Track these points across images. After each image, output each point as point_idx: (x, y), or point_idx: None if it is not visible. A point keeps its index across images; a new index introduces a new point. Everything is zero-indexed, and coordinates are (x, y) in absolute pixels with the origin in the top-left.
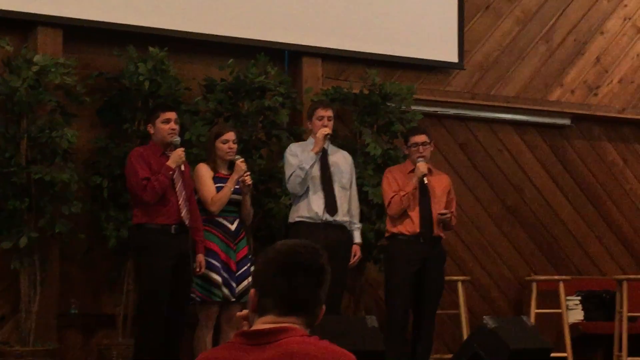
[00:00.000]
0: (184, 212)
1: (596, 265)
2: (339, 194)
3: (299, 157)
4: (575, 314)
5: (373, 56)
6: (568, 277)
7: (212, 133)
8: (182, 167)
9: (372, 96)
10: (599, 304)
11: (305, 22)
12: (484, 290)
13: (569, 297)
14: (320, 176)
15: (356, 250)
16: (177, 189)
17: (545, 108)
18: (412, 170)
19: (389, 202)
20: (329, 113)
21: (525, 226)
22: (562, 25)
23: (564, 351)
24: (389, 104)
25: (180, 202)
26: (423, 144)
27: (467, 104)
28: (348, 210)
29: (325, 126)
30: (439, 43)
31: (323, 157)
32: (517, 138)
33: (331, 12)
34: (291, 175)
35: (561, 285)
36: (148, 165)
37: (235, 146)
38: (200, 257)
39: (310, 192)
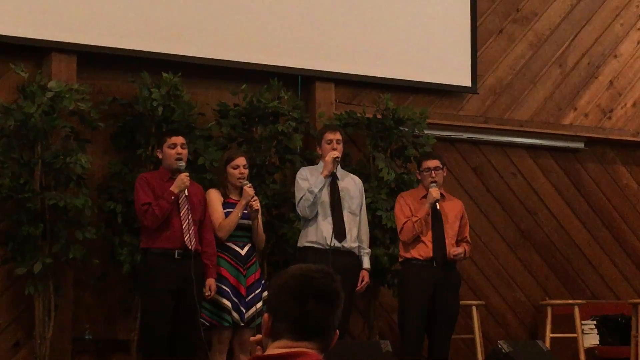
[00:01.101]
0: (186, 237)
1: (611, 289)
2: (348, 219)
3: (309, 180)
4: (590, 338)
5: (386, 80)
6: (583, 301)
7: (223, 158)
8: (186, 192)
9: (385, 121)
10: (615, 328)
11: (318, 47)
12: (498, 315)
13: (584, 322)
14: (329, 201)
15: (364, 276)
16: (181, 214)
17: (559, 132)
18: (425, 196)
19: (402, 228)
20: (338, 136)
21: (539, 250)
22: (575, 49)
23: None
24: (402, 128)
25: (184, 227)
26: (435, 168)
27: (480, 128)
28: (357, 235)
29: (334, 149)
30: (452, 67)
31: (332, 182)
32: (530, 162)
33: (344, 37)
34: (301, 199)
35: (576, 309)
36: (152, 191)
37: (245, 171)
38: (211, 281)
39: (320, 217)
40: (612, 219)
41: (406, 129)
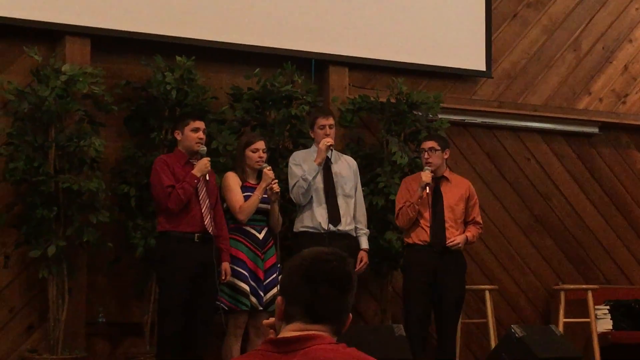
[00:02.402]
0: (207, 221)
1: (625, 274)
2: (342, 203)
3: (302, 166)
4: (603, 323)
5: (400, 65)
6: (596, 286)
7: (242, 142)
8: (207, 177)
9: (399, 105)
10: (628, 313)
11: (332, 31)
12: (511, 300)
13: (597, 307)
14: (323, 188)
15: (363, 256)
16: (200, 198)
17: (573, 116)
18: None
19: (397, 213)
20: (330, 121)
21: (553, 235)
22: (590, 33)
23: None
24: (415, 112)
25: (203, 211)
26: (430, 149)
27: (494, 112)
28: (353, 216)
29: (327, 134)
30: (466, 51)
31: (326, 168)
32: (544, 146)
33: (358, 21)
34: (294, 185)
35: (589, 294)
36: (172, 173)
37: (264, 155)
38: (226, 265)
39: (314, 204)
40: (626, 203)
41: (420, 113)
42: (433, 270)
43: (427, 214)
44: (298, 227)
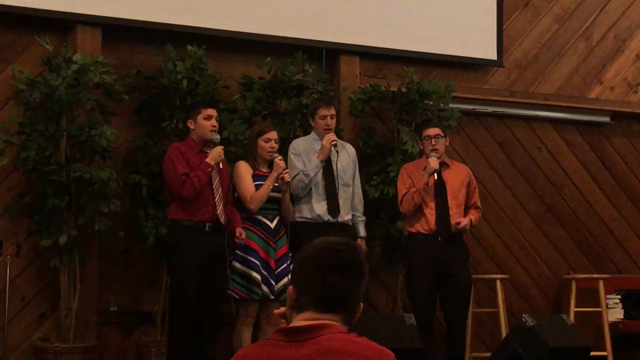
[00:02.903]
0: (219, 210)
1: (636, 264)
2: (342, 194)
3: (301, 157)
4: (614, 312)
5: (411, 54)
6: (607, 276)
7: (255, 131)
8: (221, 165)
9: (410, 94)
10: (639, 303)
11: (342, 20)
12: (522, 289)
13: (608, 296)
14: (323, 181)
15: (361, 244)
16: (214, 186)
17: (585, 105)
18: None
19: (401, 200)
20: (332, 112)
21: (564, 224)
22: (601, 22)
23: (604, 350)
24: (426, 101)
25: (216, 200)
26: (436, 136)
27: (505, 101)
28: (351, 204)
29: (328, 125)
30: (477, 40)
31: (327, 162)
32: (556, 136)
33: (369, 10)
34: (294, 178)
35: (601, 283)
36: (186, 162)
37: (276, 145)
38: (240, 230)
39: (313, 196)
40: (638, 193)
41: (431, 103)
42: (438, 259)
43: (431, 202)
44: (296, 217)
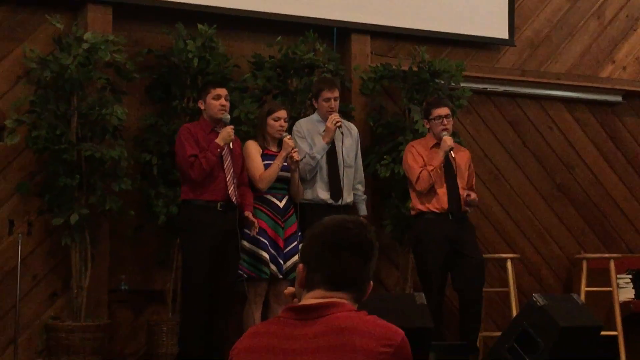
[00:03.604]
0: (231, 189)
1: None
2: (344, 175)
3: (306, 139)
4: (625, 292)
5: (422, 33)
6: (619, 255)
7: (264, 110)
8: (231, 145)
9: (421, 73)
10: None
11: None
12: (533, 268)
13: (619, 275)
14: (326, 164)
15: None
16: (225, 166)
17: (597, 85)
18: (435, 145)
19: (418, 178)
20: (336, 94)
21: (575, 204)
22: (613, 1)
23: (615, 330)
24: (438, 81)
25: (227, 179)
26: (447, 116)
27: (517, 80)
28: (352, 184)
29: (332, 107)
30: (488, 19)
31: (331, 145)
32: (567, 115)
33: None
34: (300, 160)
35: (612, 263)
36: (196, 142)
37: (286, 124)
38: (249, 214)
39: (317, 178)
40: None
41: (442, 82)
42: (450, 238)
43: (442, 181)
44: (299, 198)
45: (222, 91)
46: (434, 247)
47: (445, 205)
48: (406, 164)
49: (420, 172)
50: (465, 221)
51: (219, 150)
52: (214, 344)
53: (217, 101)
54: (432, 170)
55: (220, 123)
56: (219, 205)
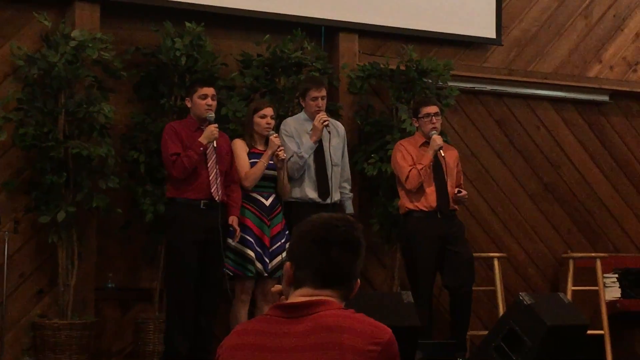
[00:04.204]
0: (214, 188)
1: (634, 243)
2: (333, 174)
3: (294, 138)
4: (612, 291)
5: (410, 32)
6: (605, 255)
7: (251, 108)
8: (215, 143)
9: (408, 72)
10: (637, 282)
11: None
12: (520, 267)
13: (606, 275)
14: (314, 163)
15: None
16: (209, 165)
17: (584, 84)
18: (424, 144)
19: (407, 176)
20: (323, 93)
21: (562, 203)
22: (601, 1)
23: (601, 329)
24: (425, 80)
25: (211, 178)
26: (435, 114)
27: (504, 80)
28: (339, 182)
29: (319, 106)
30: (476, 19)
31: (319, 145)
32: (554, 115)
33: None
34: (289, 160)
35: (598, 262)
36: (180, 141)
37: (272, 122)
38: (234, 219)
39: (305, 177)
40: (636, 172)
41: (430, 81)
42: (440, 236)
43: (431, 179)
44: (287, 197)
45: (209, 90)
46: (424, 246)
47: (434, 204)
48: (395, 162)
49: (409, 171)
50: (454, 219)
51: (202, 148)
52: (200, 341)
53: (203, 100)
54: (421, 168)
55: (206, 122)
56: (201, 204)
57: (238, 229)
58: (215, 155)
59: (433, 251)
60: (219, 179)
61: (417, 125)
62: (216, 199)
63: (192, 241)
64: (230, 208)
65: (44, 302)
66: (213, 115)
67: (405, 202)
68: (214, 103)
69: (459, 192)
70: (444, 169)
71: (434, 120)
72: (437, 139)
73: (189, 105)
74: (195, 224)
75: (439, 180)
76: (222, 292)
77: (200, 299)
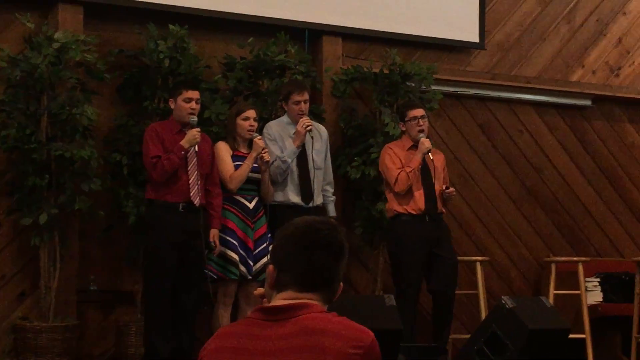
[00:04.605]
0: (193, 192)
1: (615, 247)
2: (316, 178)
3: (277, 142)
4: (594, 295)
5: (394, 35)
6: (587, 259)
7: (233, 110)
8: (196, 148)
9: (392, 76)
10: (618, 286)
11: (326, 1)
12: (502, 271)
13: (587, 279)
14: (297, 167)
15: None
16: (189, 168)
17: (566, 89)
18: (412, 147)
19: (396, 179)
20: (305, 97)
21: (544, 207)
22: (584, 6)
23: (582, 332)
24: (409, 83)
25: (190, 181)
26: (422, 117)
27: (487, 84)
28: (322, 185)
29: (302, 110)
30: (460, 23)
31: (301, 149)
32: (537, 119)
33: None
34: (271, 164)
35: (580, 266)
36: (161, 143)
37: (255, 124)
38: (215, 232)
39: (288, 184)
40: (618, 177)
41: (413, 84)
42: (428, 239)
43: (419, 183)
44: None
45: (194, 94)
46: (412, 250)
47: (423, 207)
48: (384, 165)
49: (398, 174)
50: (442, 222)
51: (183, 152)
52: (181, 344)
53: (187, 104)
54: (410, 171)
55: (188, 125)
56: (180, 207)
57: (218, 246)
58: (196, 159)
59: (421, 254)
60: (198, 183)
61: (403, 129)
62: (195, 202)
63: (170, 243)
64: (212, 219)
65: (25, 305)
66: (196, 119)
67: (394, 205)
68: (198, 107)
69: (447, 188)
70: (432, 172)
71: (421, 123)
72: (425, 142)
73: (172, 106)
74: (174, 226)
75: (427, 183)
76: (203, 295)
77: (180, 302)
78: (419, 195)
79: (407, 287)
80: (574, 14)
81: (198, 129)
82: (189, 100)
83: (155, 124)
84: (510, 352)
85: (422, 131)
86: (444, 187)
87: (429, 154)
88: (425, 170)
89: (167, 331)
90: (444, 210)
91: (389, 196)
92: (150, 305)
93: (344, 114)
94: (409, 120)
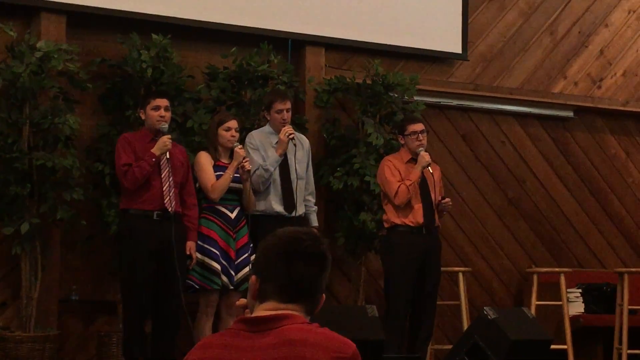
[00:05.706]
0: (167, 199)
1: (597, 258)
2: (299, 187)
3: (259, 151)
4: (575, 306)
5: (376, 46)
6: (569, 270)
7: (215, 121)
8: (168, 155)
9: (375, 86)
10: (600, 297)
11: (309, 11)
12: (484, 282)
13: (569, 290)
14: (279, 176)
15: None
16: (162, 175)
17: (549, 100)
18: (410, 160)
19: (396, 192)
20: (288, 105)
21: (526, 218)
22: (566, 17)
23: (564, 343)
24: (391, 94)
25: (164, 189)
26: (422, 132)
27: (470, 95)
28: (304, 195)
29: (285, 119)
30: (442, 34)
31: (284, 158)
32: (519, 130)
33: (335, 1)
34: (254, 172)
35: (562, 277)
36: (133, 152)
37: (237, 134)
38: (191, 245)
39: (271, 193)
40: (600, 188)
41: (396, 95)
42: (423, 252)
43: (417, 195)
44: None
45: (162, 102)
46: (406, 260)
47: (421, 220)
48: (383, 177)
49: (399, 187)
50: (437, 235)
51: (154, 159)
52: (162, 354)
53: (156, 112)
54: (410, 184)
55: (159, 133)
56: (155, 215)
57: (194, 258)
58: (169, 167)
59: (414, 267)
60: (172, 190)
61: (402, 142)
62: (169, 210)
63: (146, 252)
64: (188, 231)
65: (6, 315)
66: (166, 126)
67: (392, 217)
68: (168, 114)
69: (443, 198)
70: (431, 185)
71: (421, 138)
72: (425, 156)
73: (142, 117)
74: (148, 235)
75: (426, 196)
76: (179, 305)
77: (158, 311)
78: (419, 208)
79: (398, 297)
80: (556, 25)
81: (169, 136)
82: (157, 108)
83: (127, 133)
84: None
85: (421, 146)
86: (439, 198)
87: (429, 167)
88: (424, 184)
89: (144, 340)
90: (439, 224)
91: (387, 208)
92: (128, 315)
93: (326, 124)
94: (409, 134)
